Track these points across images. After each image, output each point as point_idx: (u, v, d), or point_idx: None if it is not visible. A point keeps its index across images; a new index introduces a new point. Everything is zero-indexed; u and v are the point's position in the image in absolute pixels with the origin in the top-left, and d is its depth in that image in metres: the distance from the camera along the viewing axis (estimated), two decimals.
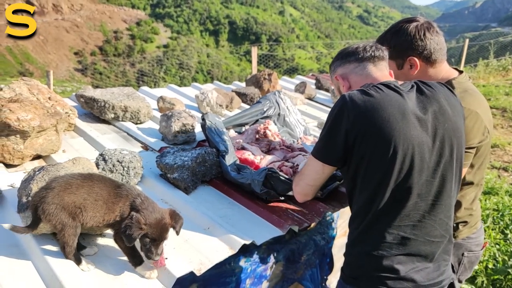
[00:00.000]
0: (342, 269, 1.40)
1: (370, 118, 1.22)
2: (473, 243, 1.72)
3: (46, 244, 1.38)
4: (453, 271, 1.69)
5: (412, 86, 1.34)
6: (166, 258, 1.39)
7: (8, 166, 1.88)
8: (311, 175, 1.42)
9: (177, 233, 1.36)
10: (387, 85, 1.29)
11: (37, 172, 1.47)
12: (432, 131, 1.26)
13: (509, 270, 2.83)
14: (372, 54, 1.42)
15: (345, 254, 1.40)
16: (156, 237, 1.28)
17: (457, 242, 1.67)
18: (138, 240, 1.28)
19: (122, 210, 1.30)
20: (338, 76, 1.50)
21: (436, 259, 1.30)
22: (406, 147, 1.21)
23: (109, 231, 1.47)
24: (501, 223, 3.62)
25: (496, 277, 2.89)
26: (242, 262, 1.66)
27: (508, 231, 3.42)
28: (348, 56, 1.46)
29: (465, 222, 1.68)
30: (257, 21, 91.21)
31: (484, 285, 2.86)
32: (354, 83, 1.44)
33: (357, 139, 1.24)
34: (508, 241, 3.26)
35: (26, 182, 1.46)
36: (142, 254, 1.35)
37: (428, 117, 1.27)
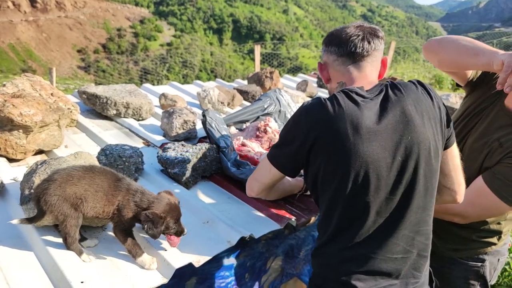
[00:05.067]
0: (310, 278, 1.36)
1: (321, 134, 1.17)
2: (506, 248, 1.74)
3: (48, 235, 1.41)
4: (483, 277, 1.70)
5: (381, 91, 1.24)
6: (166, 250, 1.42)
7: (10, 160, 1.91)
8: (259, 171, 1.42)
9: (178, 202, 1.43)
10: (347, 94, 1.20)
11: (40, 166, 1.49)
12: (392, 146, 1.16)
13: (506, 267, 2.85)
14: (353, 49, 1.26)
15: (311, 264, 1.36)
16: (177, 218, 1.35)
17: (497, 250, 1.68)
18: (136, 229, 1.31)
19: (120, 204, 1.33)
20: (319, 64, 1.40)
21: (404, 276, 1.22)
22: (358, 165, 1.14)
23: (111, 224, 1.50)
24: None
25: None
26: (241, 257, 1.68)
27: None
28: (330, 45, 1.32)
29: (508, 231, 1.68)
30: (261, 20, 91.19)
31: None
32: (333, 77, 1.35)
33: (311, 153, 1.20)
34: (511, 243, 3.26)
35: (29, 175, 1.49)
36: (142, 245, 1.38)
37: (388, 130, 1.16)
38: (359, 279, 1.19)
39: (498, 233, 1.64)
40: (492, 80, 1.60)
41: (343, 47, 1.27)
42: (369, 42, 1.26)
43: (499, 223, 1.62)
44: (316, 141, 1.18)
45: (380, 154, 1.15)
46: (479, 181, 1.49)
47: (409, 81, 1.28)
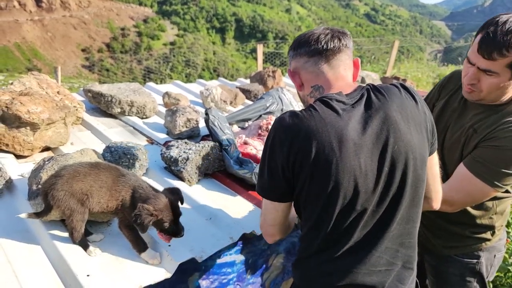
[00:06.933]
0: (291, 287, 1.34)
1: (304, 150, 1.08)
2: (502, 244, 1.75)
3: (55, 230, 1.45)
4: (480, 274, 1.71)
5: (362, 96, 1.16)
6: (169, 245, 1.45)
7: (18, 157, 1.94)
8: (268, 215, 1.26)
9: (182, 202, 1.43)
10: (326, 102, 1.13)
11: (47, 162, 1.53)
12: (378, 156, 1.10)
13: (509, 267, 2.85)
14: (325, 46, 1.18)
15: (292, 275, 1.33)
16: (172, 218, 1.34)
17: (492, 246, 1.69)
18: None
19: (124, 198, 1.36)
20: (289, 71, 1.30)
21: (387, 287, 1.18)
22: (346, 180, 1.07)
23: (116, 219, 1.53)
24: None
25: (496, 274, 2.90)
26: (243, 253, 1.70)
27: (509, 229, 3.43)
28: (299, 47, 1.23)
29: (502, 225, 1.69)
30: (264, 19, 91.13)
31: None
32: (305, 81, 1.25)
33: (295, 171, 1.11)
34: (509, 239, 3.27)
35: (36, 171, 1.52)
36: (146, 240, 1.41)
37: (373, 139, 1.10)
38: None
39: (491, 228, 1.66)
40: (453, 80, 1.70)
41: (314, 46, 1.20)
42: (339, 39, 1.20)
43: (490, 218, 1.64)
44: (298, 156, 1.09)
45: (368, 166, 1.09)
46: (461, 167, 1.51)
47: (392, 84, 1.22)
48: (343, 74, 1.22)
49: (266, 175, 1.17)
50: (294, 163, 1.10)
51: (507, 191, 1.56)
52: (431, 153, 1.26)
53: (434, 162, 1.30)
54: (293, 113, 1.13)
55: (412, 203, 1.17)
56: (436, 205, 1.37)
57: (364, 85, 1.22)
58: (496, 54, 1.34)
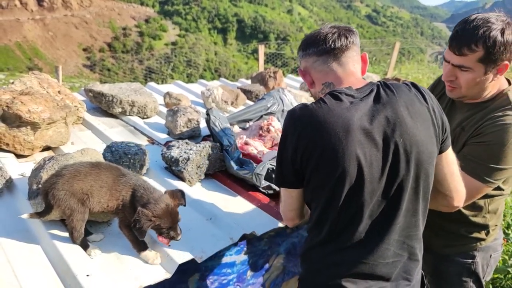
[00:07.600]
0: (299, 281, 1.35)
1: (312, 140, 1.13)
2: (498, 243, 1.76)
3: (55, 229, 1.45)
4: (475, 274, 1.71)
5: (371, 91, 1.20)
6: (169, 246, 1.44)
7: (18, 156, 1.94)
8: (286, 201, 1.33)
9: (184, 204, 1.43)
10: (335, 96, 1.17)
11: (47, 161, 1.53)
12: (384, 147, 1.14)
13: (509, 269, 2.85)
14: (333, 45, 1.23)
15: (300, 266, 1.35)
16: (170, 224, 1.34)
17: (487, 245, 1.70)
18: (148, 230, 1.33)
19: (124, 198, 1.36)
20: (299, 71, 1.35)
21: (395, 278, 1.22)
22: (352, 169, 1.11)
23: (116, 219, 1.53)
24: (503, 223, 3.63)
25: (496, 275, 2.90)
26: (244, 254, 1.70)
27: (509, 231, 3.43)
28: (308, 48, 1.29)
29: (496, 225, 1.70)
30: (265, 20, 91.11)
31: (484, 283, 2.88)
32: (316, 79, 1.30)
33: (303, 163, 1.16)
34: (509, 241, 3.26)
35: (37, 170, 1.52)
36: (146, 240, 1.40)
37: (380, 131, 1.14)
38: (350, 282, 1.19)
39: (485, 228, 1.67)
40: (442, 82, 1.71)
41: (322, 46, 1.24)
42: (346, 37, 1.24)
43: (484, 217, 1.66)
44: (306, 148, 1.14)
45: (373, 156, 1.12)
46: None
47: (403, 82, 1.25)
48: (353, 70, 1.26)
49: (278, 165, 1.25)
50: (303, 154, 1.15)
51: (499, 188, 1.58)
52: (443, 150, 1.28)
53: (450, 160, 1.32)
54: (303, 105, 1.18)
55: (416, 196, 1.19)
56: (458, 203, 1.37)
57: (375, 81, 1.25)
58: (466, 50, 1.39)
